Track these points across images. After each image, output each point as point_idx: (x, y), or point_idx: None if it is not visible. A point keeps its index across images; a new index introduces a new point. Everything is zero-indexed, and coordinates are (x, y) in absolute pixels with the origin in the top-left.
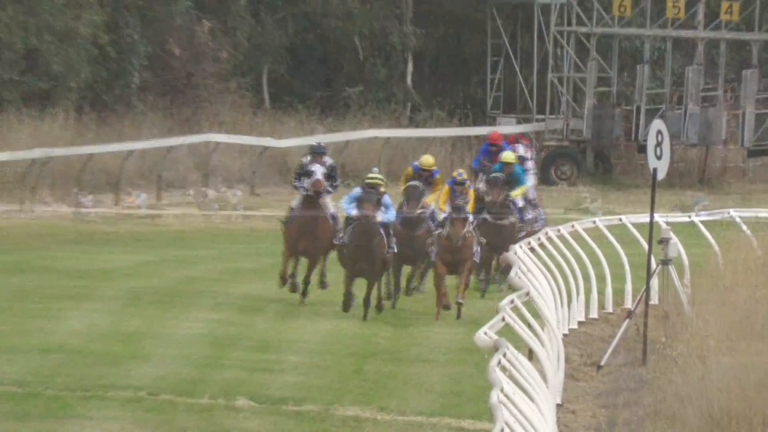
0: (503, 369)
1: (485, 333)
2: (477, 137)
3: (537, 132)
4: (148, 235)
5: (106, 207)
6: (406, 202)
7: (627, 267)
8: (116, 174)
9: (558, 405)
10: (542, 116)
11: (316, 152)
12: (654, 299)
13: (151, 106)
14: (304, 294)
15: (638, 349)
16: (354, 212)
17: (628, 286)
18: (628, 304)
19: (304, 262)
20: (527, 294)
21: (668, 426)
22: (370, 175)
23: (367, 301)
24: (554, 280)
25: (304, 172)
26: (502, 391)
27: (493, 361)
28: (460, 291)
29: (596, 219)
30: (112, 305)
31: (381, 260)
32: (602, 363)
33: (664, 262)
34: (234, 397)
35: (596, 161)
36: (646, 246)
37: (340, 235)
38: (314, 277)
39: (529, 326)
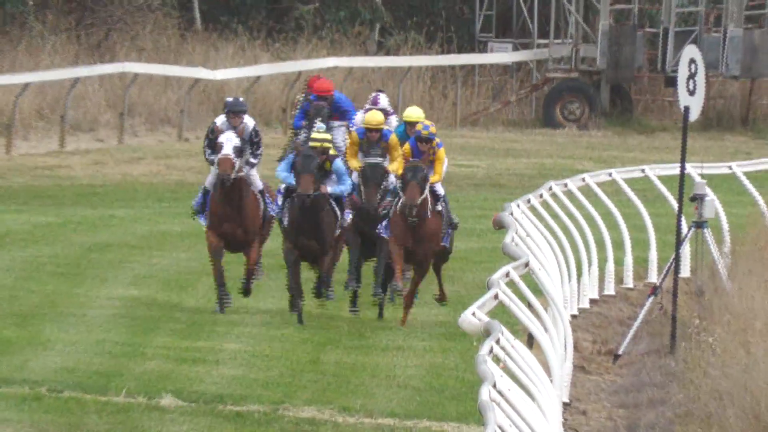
0: (496, 359)
1: (473, 314)
2: (463, 68)
3: (538, 61)
4: (49, 191)
5: None
6: (364, 187)
7: (651, 231)
8: (8, 113)
9: (565, 404)
10: (545, 41)
11: (232, 111)
12: (685, 271)
13: (52, 27)
14: (246, 292)
15: (665, 333)
16: (293, 179)
17: (653, 255)
18: (653, 278)
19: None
20: (526, 265)
21: (703, 430)
22: (315, 136)
23: (318, 290)
24: (560, 248)
25: (216, 140)
26: (494, 386)
27: (484, 350)
28: (404, 301)
29: (612, 170)
30: (3, 279)
31: (330, 238)
32: (620, 351)
33: (698, 224)
34: (157, 395)
35: (613, 98)
36: (675, 204)
37: (276, 209)
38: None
39: (529, 305)
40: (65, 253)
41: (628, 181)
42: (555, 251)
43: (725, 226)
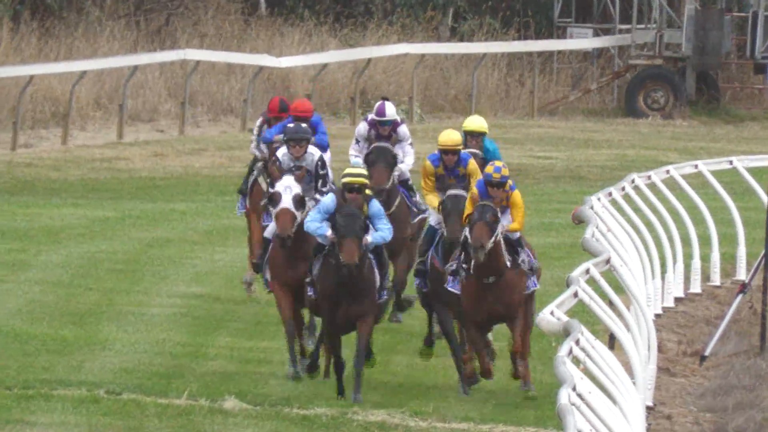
0: (576, 361)
1: (552, 313)
2: (540, 54)
3: (620, 47)
4: (107, 184)
5: (51, 145)
6: (446, 219)
7: (740, 226)
8: (64, 102)
9: (648, 408)
10: (627, 26)
11: (293, 140)
12: None
13: (110, 12)
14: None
15: (755, 333)
16: (329, 233)
17: (741, 251)
18: (742, 275)
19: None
20: (607, 261)
21: None
22: (350, 171)
23: (358, 362)
24: (643, 243)
25: (284, 169)
26: (574, 389)
27: (563, 351)
28: (516, 365)
29: (699, 162)
30: (59, 276)
31: (372, 301)
32: (707, 352)
33: None
34: (220, 397)
35: (699, 85)
36: (765, 198)
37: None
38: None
39: (610, 304)
40: (124, 248)
41: (715, 173)
42: (638, 247)
43: None
